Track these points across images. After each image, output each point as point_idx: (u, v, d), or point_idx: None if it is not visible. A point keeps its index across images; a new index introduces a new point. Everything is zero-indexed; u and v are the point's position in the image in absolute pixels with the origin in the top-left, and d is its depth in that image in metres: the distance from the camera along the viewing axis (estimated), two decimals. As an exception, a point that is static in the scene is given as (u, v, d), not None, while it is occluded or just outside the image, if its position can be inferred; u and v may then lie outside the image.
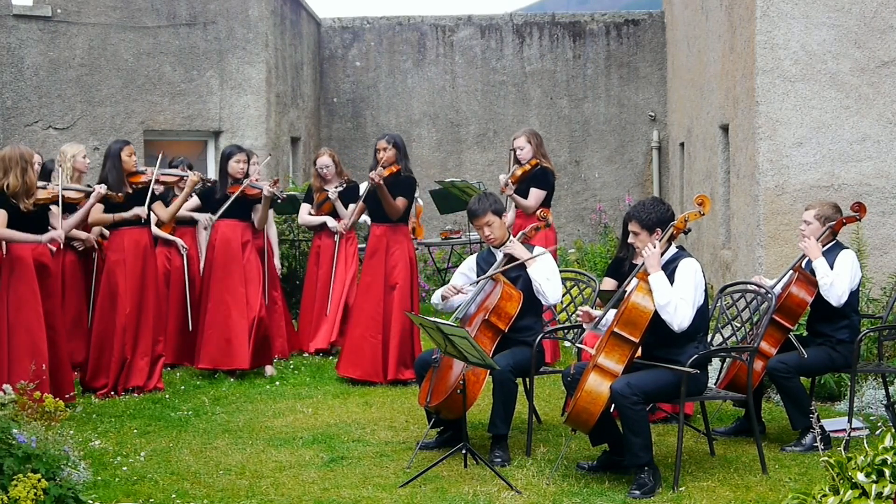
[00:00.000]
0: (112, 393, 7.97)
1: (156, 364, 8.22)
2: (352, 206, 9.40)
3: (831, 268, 6.52)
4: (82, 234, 8.33)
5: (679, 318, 5.57)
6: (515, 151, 8.87)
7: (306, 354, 9.51)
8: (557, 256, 9.27)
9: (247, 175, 8.75)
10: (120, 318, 8.05)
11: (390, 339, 8.32)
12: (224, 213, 8.66)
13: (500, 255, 6.64)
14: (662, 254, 5.78)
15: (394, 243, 8.42)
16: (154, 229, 9.06)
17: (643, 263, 5.76)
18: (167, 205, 8.78)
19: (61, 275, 8.28)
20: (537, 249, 6.61)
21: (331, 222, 9.51)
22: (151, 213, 8.29)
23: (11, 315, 7.19)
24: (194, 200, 8.92)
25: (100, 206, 7.93)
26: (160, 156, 8.52)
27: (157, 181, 8.22)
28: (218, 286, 8.63)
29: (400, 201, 8.35)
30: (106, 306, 8.10)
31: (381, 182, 8.22)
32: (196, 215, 8.99)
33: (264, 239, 9.11)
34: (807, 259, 6.65)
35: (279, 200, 8.92)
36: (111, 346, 8.05)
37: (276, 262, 9.33)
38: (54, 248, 7.46)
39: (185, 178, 8.54)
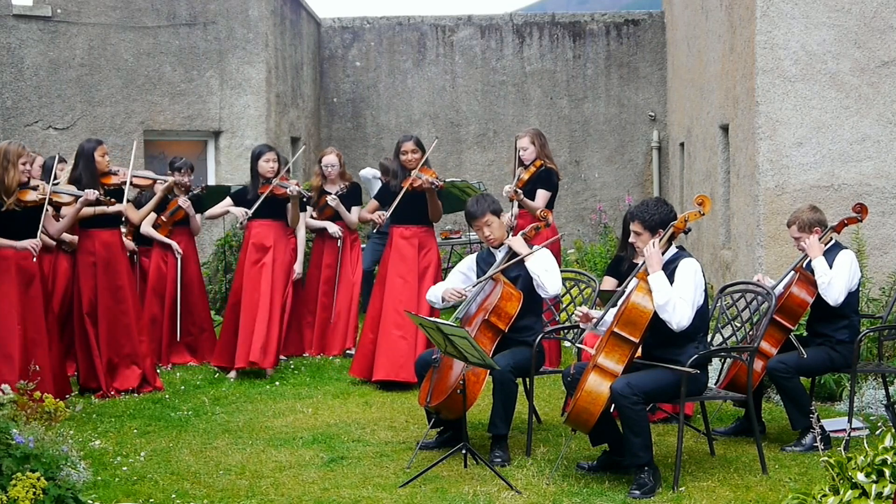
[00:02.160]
0: (111, 393, 7.94)
1: (143, 365, 8.10)
2: (355, 208, 9.42)
3: (830, 267, 6.52)
4: (68, 237, 8.23)
5: (678, 317, 5.56)
6: (519, 152, 8.85)
7: (306, 355, 9.51)
8: (560, 244, 9.24)
9: (277, 174, 8.73)
10: (88, 322, 7.90)
11: (419, 341, 8.29)
12: (257, 212, 8.65)
13: (499, 255, 6.64)
14: (663, 254, 5.78)
15: (425, 244, 8.48)
16: (151, 231, 9.05)
17: (643, 263, 5.77)
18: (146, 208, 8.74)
19: (53, 277, 8.23)
20: (537, 248, 6.61)
21: (331, 227, 9.47)
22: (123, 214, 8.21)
23: None
24: (225, 202, 8.88)
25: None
26: (133, 152, 8.41)
27: (131, 184, 8.07)
28: (251, 286, 8.59)
29: (440, 203, 8.45)
30: (78, 309, 7.96)
31: (431, 186, 8.26)
32: (232, 209, 8.83)
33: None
34: (808, 259, 6.66)
35: (304, 199, 8.92)
36: (91, 349, 7.94)
37: (298, 266, 9.28)
38: (35, 253, 7.26)
39: (158, 181, 8.50)
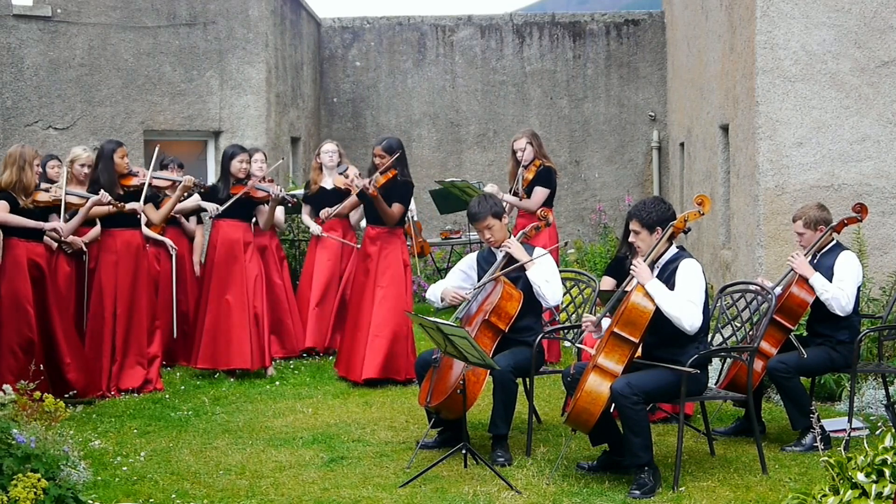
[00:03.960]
0: (111, 393, 7.94)
1: (151, 365, 8.16)
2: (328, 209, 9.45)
3: (832, 270, 6.51)
4: (69, 238, 8.26)
5: (691, 320, 5.57)
6: (516, 154, 8.85)
7: (304, 355, 9.50)
8: (559, 254, 9.28)
9: (249, 175, 8.75)
10: (108, 320, 7.97)
11: (371, 341, 8.31)
12: (226, 212, 8.66)
13: (500, 255, 6.63)
14: (662, 254, 5.78)
15: (387, 246, 8.42)
16: (144, 230, 9.05)
17: (643, 263, 5.77)
18: (157, 206, 8.75)
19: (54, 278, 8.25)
20: (537, 250, 6.61)
21: (315, 228, 9.47)
22: (143, 214, 8.24)
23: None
24: (195, 198, 8.93)
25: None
26: (156, 152, 8.46)
27: (150, 185, 8.14)
28: (218, 286, 8.60)
29: (396, 208, 8.35)
30: (97, 308, 8.03)
31: (377, 193, 8.22)
32: (204, 203, 8.86)
33: (272, 238, 9.27)
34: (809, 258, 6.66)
35: (290, 204, 8.92)
36: (103, 348, 7.96)
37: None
38: (57, 235, 7.52)
39: (177, 182, 8.52)
